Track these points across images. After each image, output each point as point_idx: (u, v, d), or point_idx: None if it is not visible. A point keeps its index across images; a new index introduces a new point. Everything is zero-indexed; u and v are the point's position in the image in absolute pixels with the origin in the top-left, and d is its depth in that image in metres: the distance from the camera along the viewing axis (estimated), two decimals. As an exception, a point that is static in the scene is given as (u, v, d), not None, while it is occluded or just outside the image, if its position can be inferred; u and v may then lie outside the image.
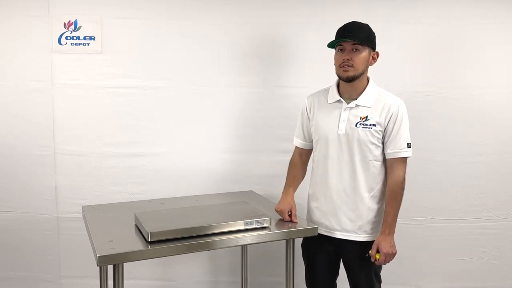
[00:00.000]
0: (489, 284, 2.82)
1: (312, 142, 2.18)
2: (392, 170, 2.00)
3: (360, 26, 1.98)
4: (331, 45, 2.00)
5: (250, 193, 2.64)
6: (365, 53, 1.96)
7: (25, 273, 2.74)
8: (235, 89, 2.69)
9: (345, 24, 1.99)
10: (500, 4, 2.64)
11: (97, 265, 1.67)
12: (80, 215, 2.31)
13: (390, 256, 1.97)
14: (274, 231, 1.92)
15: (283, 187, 2.20)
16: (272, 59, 2.68)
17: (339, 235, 2.05)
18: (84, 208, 2.25)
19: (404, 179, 1.99)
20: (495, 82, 2.68)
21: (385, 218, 1.99)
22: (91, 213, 2.16)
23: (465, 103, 2.68)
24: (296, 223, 2.03)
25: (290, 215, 2.04)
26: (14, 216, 2.68)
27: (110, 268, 1.75)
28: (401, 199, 2.00)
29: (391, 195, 1.99)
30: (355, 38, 1.92)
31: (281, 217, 2.07)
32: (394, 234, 2.00)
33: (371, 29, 2.00)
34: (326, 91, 2.12)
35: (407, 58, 2.68)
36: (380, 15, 2.64)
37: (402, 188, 1.99)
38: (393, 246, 1.98)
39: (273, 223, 1.98)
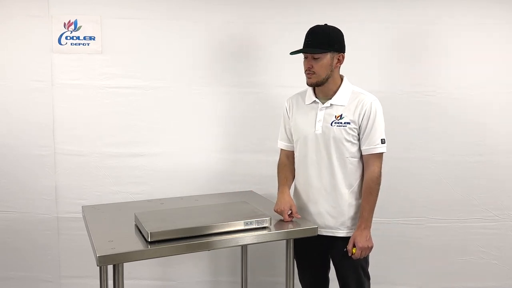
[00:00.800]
0: (489, 284, 2.82)
1: (293, 143, 2.21)
2: (368, 166, 2.04)
3: (319, 33, 2.00)
4: (293, 53, 2.03)
5: (250, 193, 2.64)
6: (326, 59, 1.98)
7: (25, 273, 2.74)
8: (235, 89, 2.69)
9: (307, 31, 2.02)
10: (500, 4, 2.64)
11: (97, 265, 1.66)
12: (80, 215, 2.31)
13: (366, 250, 2.01)
14: (274, 231, 1.92)
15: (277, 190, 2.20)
16: (272, 59, 2.68)
17: (323, 232, 2.08)
18: (84, 208, 2.25)
19: (379, 175, 2.03)
20: (495, 82, 2.68)
21: (361, 212, 2.03)
22: (91, 213, 2.16)
23: (465, 103, 2.68)
24: (299, 217, 2.05)
25: (290, 214, 2.05)
26: (14, 216, 2.69)
27: (110, 268, 1.75)
28: (377, 194, 2.03)
29: (366, 190, 2.02)
30: (312, 47, 1.98)
31: (282, 217, 2.06)
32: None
33: (335, 32, 2.01)
34: (304, 92, 2.17)
35: (407, 58, 2.68)
36: (380, 15, 2.64)
37: (378, 184, 2.02)
38: (369, 240, 2.01)
39: (273, 223, 1.98)
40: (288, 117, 2.20)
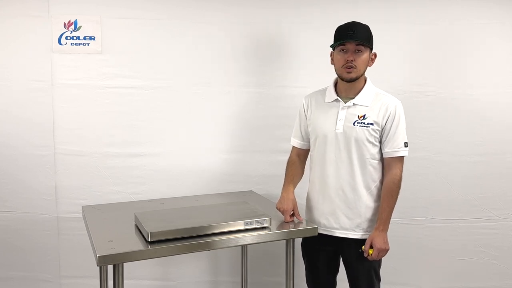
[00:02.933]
0: (489, 284, 2.82)
1: (309, 142, 2.19)
2: (390, 168, 2.03)
3: (363, 26, 1.99)
4: (338, 44, 1.99)
5: (250, 193, 2.65)
6: (366, 54, 1.98)
7: (25, 273, 2.74)
8: (235, 89, 2.69)
9: (346, 24, 2.00)
10: (500, 4, 2.64)
11: (97, 265, 1.67)
12: (80, 215, 2.31)
13: (383, 252, 2.00)
14: (274, 231, 1.92)
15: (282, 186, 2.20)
16: (272, 59, 2.68)
17: (337, 233, 2.07)
18: (84, 208, 2.25)
19: (400, 178, 2.02)
20: (495, 82, 2.68)
21: (380, 214, 2.02)
22: (91, 213, 2.16)
23: (465, 103, 2.68)
24: (301, 219, 2.04)
25: (292, 215, 2.04)
26: (14, 216, 2.68)
27: (110, 268, 1.75)
28: (397, 197, 2.03)
29: (387, 193, 2.02)
30: (359, 38, 1.94)
31: (283, 215, 2.05)
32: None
33: (371, 30, 2.02)
34: (324, 91, 2.15)
35: (407, 58, 2.68)
36: (381, 14, 2.64)
37: (399, 187, 2.02)
38: (386, 242, 2.01)
39: (273, 223, 1.98)
40: (306, 115, 2.17)
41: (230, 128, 2.73)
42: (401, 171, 2.03)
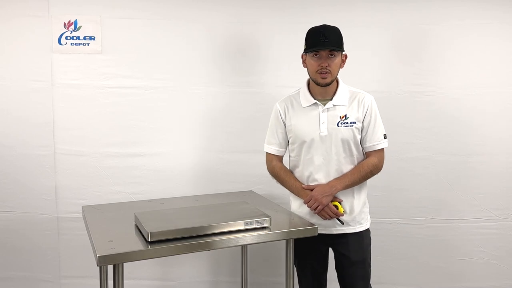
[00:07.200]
0: (489, 284, 2.82)
1: (286, 148, 2.20)
2: (369, 156, 2.07)
3: (334, 30, 1.99)
4: (312, 50, 1.99)
5: (250, 193, 2.64)
6: (339, 57, 2.00)
7: (25, 273, 2.74)
8: (235, 89, 2.69)
9: (318, 29, 2.00)
10: (500, 4, 2.64)
11: (97, 265, 1.66)
12: (80, 215, 2.31)
13: (315, 202, 2.00)
14: (274, 231, 1.92)
15: (283, 188, 2.20)
16: (272, 59, 2.69)
17: (335, 231, 2.08)
18: (84, 208, 2.25)
19: (376, 165, 2.05)
20: (495, 82, 2.68)
21: (340, 176, 2.02)
22: (91, 213, 2.16)
23: (465, 103, 2.68)
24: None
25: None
26: (14, 216, 2.68)
27: (110, 268, 1.75)
28: (364, 179, 2.05)
29: (357, 167, 2.04)
30: (332, 45, 1.95)
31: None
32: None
33: (340, 32, 2.02)
34: (297, 95, 2.15)
35: (407, 58, 2.68)
36: (379, 15, 2.64)
37: (371, 171, 2.04)
38: (324, 196, 1.99)
39: (273, 223, 1.98)
40: (283, 122, 2.16)
41: (230, 128, 2.72)
42: (380, 161, 2.06)
